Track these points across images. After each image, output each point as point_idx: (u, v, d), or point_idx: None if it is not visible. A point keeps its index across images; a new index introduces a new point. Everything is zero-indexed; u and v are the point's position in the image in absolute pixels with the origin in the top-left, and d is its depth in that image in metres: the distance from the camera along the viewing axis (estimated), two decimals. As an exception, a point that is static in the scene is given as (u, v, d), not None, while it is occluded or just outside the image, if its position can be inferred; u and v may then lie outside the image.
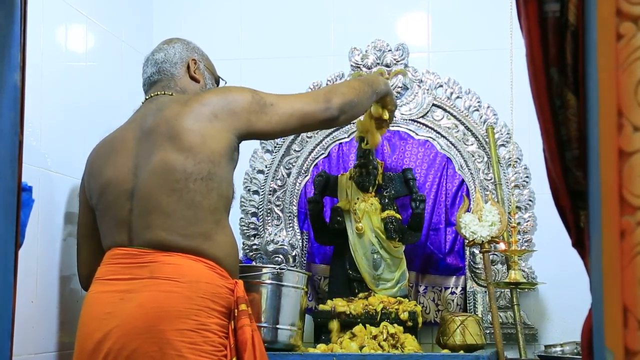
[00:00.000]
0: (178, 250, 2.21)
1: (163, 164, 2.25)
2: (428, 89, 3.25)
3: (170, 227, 2.21)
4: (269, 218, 3.27)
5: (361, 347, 2.69)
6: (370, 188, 2.95)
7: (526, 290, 3.08)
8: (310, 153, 3.28)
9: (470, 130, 3.20)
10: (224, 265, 2.25)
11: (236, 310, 2.22)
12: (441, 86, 3.26)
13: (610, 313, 1.21)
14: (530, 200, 3.16)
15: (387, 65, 3.27)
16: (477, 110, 3.22)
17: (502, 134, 3.18)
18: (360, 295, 2.89)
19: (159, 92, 2.46)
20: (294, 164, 3.26)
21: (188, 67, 2.53)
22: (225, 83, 2.70)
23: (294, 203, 3.25)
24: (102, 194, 2.33)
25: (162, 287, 2.16)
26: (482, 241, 2.85)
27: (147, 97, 2.48)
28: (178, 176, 2.23)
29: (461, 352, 2.76)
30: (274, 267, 2.63)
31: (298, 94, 2.46)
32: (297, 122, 2.40)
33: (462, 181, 3.19)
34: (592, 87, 1.29)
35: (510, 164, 3.17)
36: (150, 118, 2.35)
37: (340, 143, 3.27)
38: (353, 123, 3.02)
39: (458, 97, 3.24)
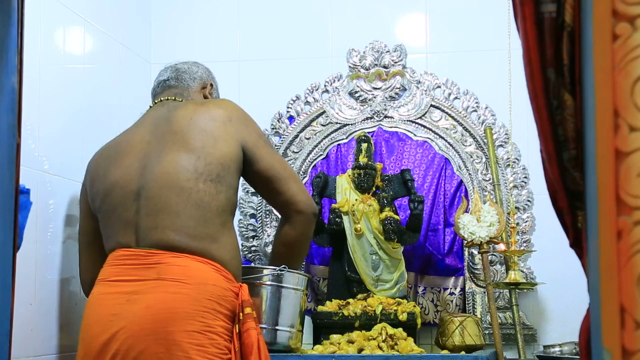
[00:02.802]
0: (186, 252, 2.21)
1: (174, 163, 2.26)
2: (426, 90, 3.25)
3: (178, 228, 2.21)
4: (267, 219, 3.27)
5: (360, 350, 2.69)
6: (369, 189, 2.95)
7: (525, 290, 3.08)
8: (308, 154, 3.28)
9: (469, 131, 3.20)
10: (229, 268, 2.25)
11: (241, 314, 2.22)
12: (439, 87, 3.26)
13: (608, 313, 1.21)
14: (528, 201, 3.16)
15: (385, 66, 3.28)
16: (476, 111, 3.23)
17: (500, 135, 3.19)
18: (359, 296, 2.89)
19: (169, 97, 2.48)
20: (292, 165, 3.26)
21: (204, 87, 2.59)
22: None
23: (293, 204, 3.25)
24: (107, 196, 2.33)
25: (170, 288, 2.16)
26: (481, 242, 2.85)
27: (157, 101, 2.49)
28: (189, 175, 2.24)
29: (461, 352, 2.76)
30: (274, 269, 2.63)
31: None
32: (280, 178, 2.39)
33: (461, 182, 3.19)
34: (589, 87, 1.29)
35: (508, 165, 3.18)
36: (162, 119, 2.36)
37: (339, 144, 3.27)
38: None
39: (456, 98, 3.25)
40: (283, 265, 2.52)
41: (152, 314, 2.14)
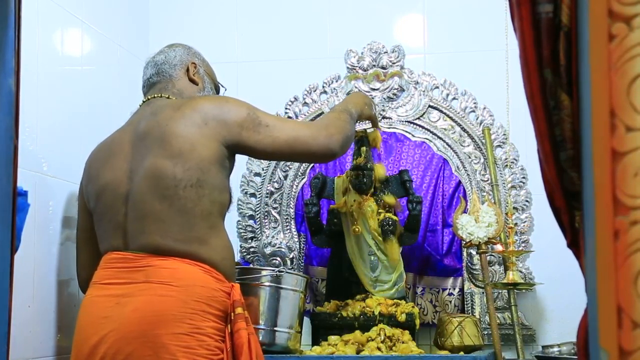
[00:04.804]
0: (174, 255, 2.20)
1: (154, 170, 2.24)
2: (424, 91, 3.25)
3: (164, 233, 2.21)
4: (266, 221, 3.27)
5: (359, 351, 2.69)
6: (367, 190, 2.94)
7: (524, 291, 3.08)
8: (307, 155, 3.28)
9: (467, 132, 3.20)
10: (220, 268, 2.24)
11: (232, 314, 2.21)
12: (437, 87, 3.26)
13: (605, 313, 1.22)
14: (527, 201, 3.16)
15: (383, 67, 3.28)
16: (474, 111, 3.23)
17: (498, 135, 3.19)
18: (358, 297, 2.88)
19: (156, 95, 2.46)
20: (290, 166, 3.26)
21: (187, 70, 2.53)
22: (225, 90, 2.70)
23: (291, 205, 3.25)
24: (99, 198, 2.33)
25: (157, 291, 2.16)
26: (479, 242, 2.85)
27: (145, 100, 2.48)
28: (168, 183, 2.22)
29: (460, 353, 2.76)
30: (273, 270, 2.63)
31: (299, 122, 2.42)
32: (290, 151, 2.33)
33: (459, 182, 3.19)
34: (585, 87, 1.29)
35: (506, 165, 3.18)
36: (144, 122, 2.35)
37: (337, 145, 3.27)
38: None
39: (454, 98, 3.25)
40: (281, 268, 2.51)
41: (140, 316, 2.14)
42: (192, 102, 2.35)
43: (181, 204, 2.21)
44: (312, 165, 3.26)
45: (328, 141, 2.35)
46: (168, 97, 2.44)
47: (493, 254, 3.07)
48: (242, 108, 2.33)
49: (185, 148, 2.24)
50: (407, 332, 2.76)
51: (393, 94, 3.26)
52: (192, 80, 2.52)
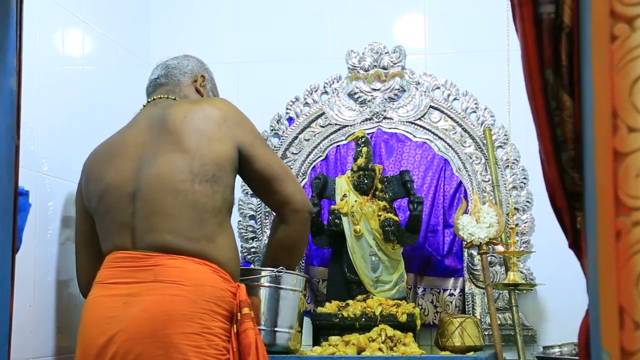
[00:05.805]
0: (182, 253, 2.20)
1: (170, 164, 2.25)
2: (425, 91, 3.25)
3: (174, 229, 2.21)
4: (267, 221, 3.27)
5: (359, 351, 2.69)
6: (368, 190, 2.94)
7: (524, 291, 3.08)
8: (307, 156, 3.28)
9: (468, 132, 3.20)
10: (227, 268, 2.25)
11: (239, 314, 2.22)
12: (438, 88, 3.26)
13: (607, 314, 1.21)
14: (528, 202, 3.16)
15: (384, 68, 3.27)
16: (475, 112, 3.23)
17: (499, 136, 3.19)
18: (359, 297, 2.88)
19: (162, 96, 2.47)
20: (291, 166, 3.26)
21: (195, 80, 2.57)
22: None
23: (292, 206, 3.25)
24: (103, 198, 2.33)
25: (167, 290, 2.16)
26: (480, 243, 2.85)
27: (150, 100, 2.48)
28: (184, 177, 2.23)
29: (460, 353, 2.76)
30: (272, 270, 2.63)
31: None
32: (280, 180, 2.40)
33: (460, 183, 3.19)
34: (587, 88, 1.29)
35: (507, 166, 3.18)
36: (156, 119, 2.35)
37: (338, 145, 3.27)
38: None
39: (455, 99, 3.25)
40: (280, 267, 2.51)
41: (150, 316, 2.13)
42: (211, 100, 2.44)
43: (195, 198, 2.23)
44: (312, 165, 3.26)
45: (308, 203, 2.48)
46: (174, 99, 2.45)
47: (494, 254, 3.07)
48: (253, 125, 2.43)
49: (203, 143, 2.27)
50: (410, 334, 2.76)
51: (394, 94, 3.26)
52: (197, 90, 2.56)
